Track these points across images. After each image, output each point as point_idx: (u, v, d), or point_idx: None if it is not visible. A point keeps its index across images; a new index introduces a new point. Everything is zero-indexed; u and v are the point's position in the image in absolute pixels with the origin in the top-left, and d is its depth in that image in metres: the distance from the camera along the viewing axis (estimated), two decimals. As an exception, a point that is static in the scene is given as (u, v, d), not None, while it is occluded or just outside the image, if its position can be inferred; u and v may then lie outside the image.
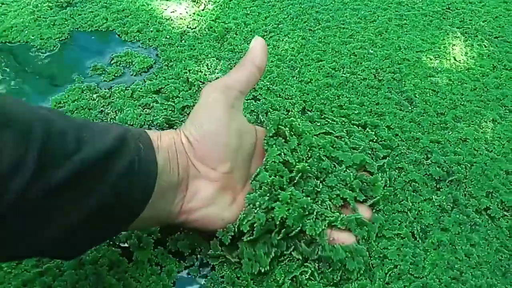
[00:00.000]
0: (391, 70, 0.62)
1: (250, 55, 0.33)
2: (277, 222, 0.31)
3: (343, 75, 0.61)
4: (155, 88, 0.55)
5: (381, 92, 0.58)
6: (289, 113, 0.37)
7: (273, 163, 0.33)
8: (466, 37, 0.71)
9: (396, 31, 0.70)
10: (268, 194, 0.32)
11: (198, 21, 0.68)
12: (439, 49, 0.68)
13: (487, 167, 0.50)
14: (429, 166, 0.50)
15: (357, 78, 0.60)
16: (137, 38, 0.63)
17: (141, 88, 0.54)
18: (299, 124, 0.36)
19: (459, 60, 0.66)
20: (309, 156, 0.35)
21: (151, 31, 0.64)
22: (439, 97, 0.59)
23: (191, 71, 0.58)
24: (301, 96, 0.56)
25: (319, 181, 0.35)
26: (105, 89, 0.55)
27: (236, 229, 0.33)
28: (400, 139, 0.52)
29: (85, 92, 0.54)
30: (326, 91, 0.57)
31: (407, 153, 0.51)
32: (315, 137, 0.38)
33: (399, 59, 0.64)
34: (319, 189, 0.35)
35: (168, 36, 0.64)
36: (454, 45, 0.68)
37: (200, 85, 0.56)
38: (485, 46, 0.69)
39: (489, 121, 0.56)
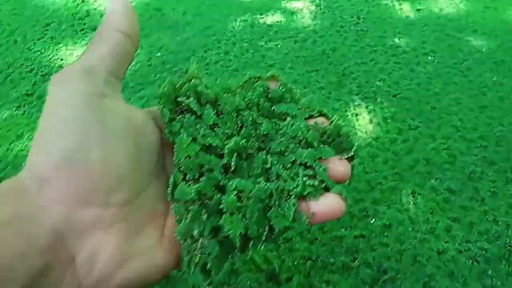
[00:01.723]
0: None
1: (107, 20, 0.22)
2: (237, 242, 0.20)
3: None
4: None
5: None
6: (188, 74, 0.24)
7: (187, 159, 0.22)
8: (366, 103, 0.70)
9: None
10: (203, 211, 0.21)
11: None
12: (343, 124, 0.66)
13: (417, 252, 0.46)
14: (359, 269, 0.45)
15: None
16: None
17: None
18: (207, 86, 0.24)
19: (365, 131, 0.64)
20: (240, 124, 0.24)
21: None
22: (354, 181, 0.56)
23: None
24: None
25: (265, 153, 0.24)
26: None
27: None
28: (321, 243, 0.48)
29: None
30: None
31: (331, 259, 0.46)
32: (239, 91, 0.26)
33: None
34: (268, 165, 0.23)
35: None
36: (357, 114, 0.67)
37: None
38: (387, 108, 0.68)
39: (409, 195, 0.53)
